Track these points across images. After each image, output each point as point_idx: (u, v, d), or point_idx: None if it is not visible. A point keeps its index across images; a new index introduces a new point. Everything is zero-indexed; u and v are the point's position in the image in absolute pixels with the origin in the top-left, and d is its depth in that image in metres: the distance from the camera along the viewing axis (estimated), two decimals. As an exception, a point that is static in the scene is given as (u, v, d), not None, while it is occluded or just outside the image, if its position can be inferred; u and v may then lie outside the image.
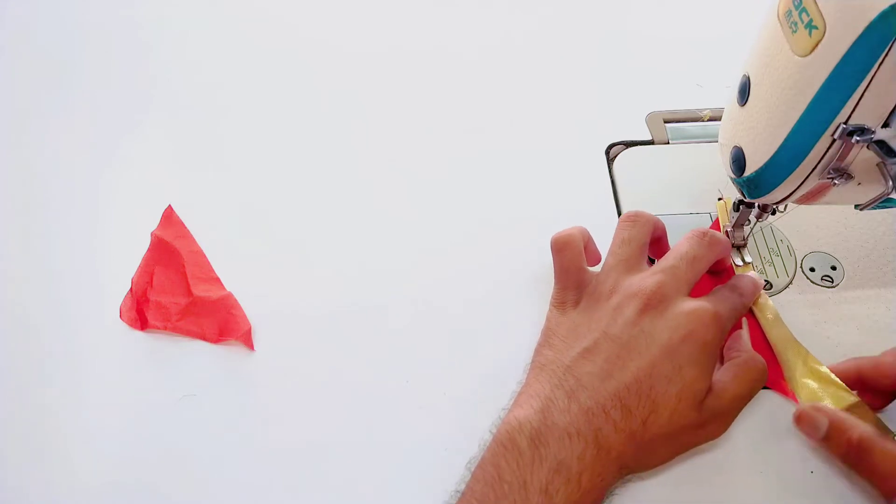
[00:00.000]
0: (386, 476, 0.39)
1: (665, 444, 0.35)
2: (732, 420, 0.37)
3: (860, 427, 0.36)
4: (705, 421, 0.35)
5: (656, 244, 0.43)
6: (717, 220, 0.47)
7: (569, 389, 0.35)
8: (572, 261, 0.41)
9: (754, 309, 0.43)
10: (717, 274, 0.45)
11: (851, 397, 0.39)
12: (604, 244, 0.41)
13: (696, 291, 0.38)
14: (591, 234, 0.43)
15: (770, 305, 0.43)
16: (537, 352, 0.39)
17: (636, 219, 0.40)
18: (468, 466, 0.35)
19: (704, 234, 0.39)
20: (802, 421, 0.38)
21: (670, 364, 0.34)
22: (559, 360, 0.36)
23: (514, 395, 0.37)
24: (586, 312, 0.38)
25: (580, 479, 0.33)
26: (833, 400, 0.39)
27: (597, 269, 0.41)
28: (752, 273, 0.43)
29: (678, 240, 0.40)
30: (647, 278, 0.37)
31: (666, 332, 0.35)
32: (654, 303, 0.36)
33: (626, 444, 0.34)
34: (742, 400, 0.36)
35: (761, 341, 0.42)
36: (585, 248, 0.42)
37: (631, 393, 0.34)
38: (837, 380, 0.39)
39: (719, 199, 0.47)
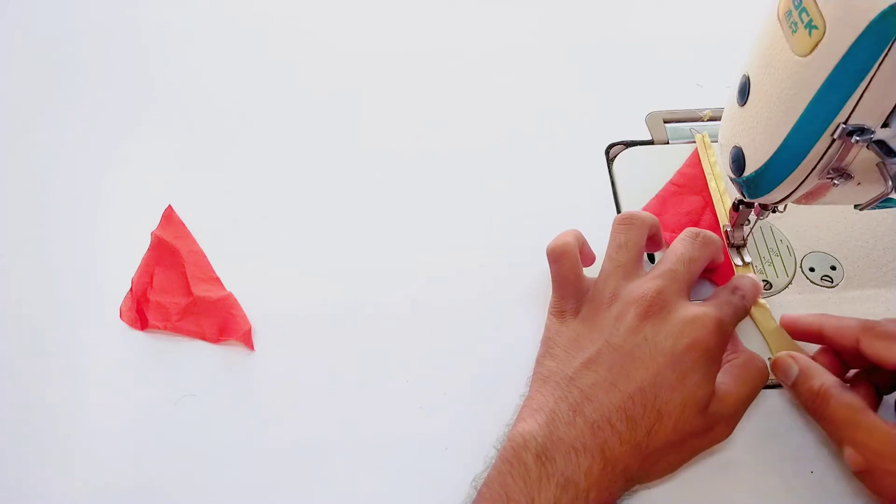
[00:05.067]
0: (386, 476, 0.39)
1: (671, 453, 0.35)
2: (737, 422, 0.37)
3: (824, 377, 0.37)
4: (710, 426, 0.35)
5: (651, 241, 0.42)
6: (696, 151, 0.47)
7: (573, 402, 0.34)
8: (570, 269, 0.40)
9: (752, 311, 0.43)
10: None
11: None
12: (604, 245, 0.41)
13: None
14: (585, 235, 0.42)
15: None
16: (539, 363, 0.38)
17: (632, 221, 0.40)
18: (474, 484, 0.35)
19: (697, 234, 0.39)
20: (777, 367, 0.39)
21: (674, 373, 0.34)
22: (562, 371, 0.36)
23: (518, 408, 0.37)
24: (587, 321, 0.38)
25: (588, 495, 0.32)
26: None
27: (594, 269, 0.41)
28: (749, 274, 0.43)
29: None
30: (647, 283, 0.37)
31: (669, 340, 0.35)
32: (655, 309, 0.36)
33: (632, 455, 0.33)
34: (746, 401, 0.36)
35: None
36: (580, 251, 0.42)
37: (636, 403, 0.34)
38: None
39: (697, 133, 0.48)
